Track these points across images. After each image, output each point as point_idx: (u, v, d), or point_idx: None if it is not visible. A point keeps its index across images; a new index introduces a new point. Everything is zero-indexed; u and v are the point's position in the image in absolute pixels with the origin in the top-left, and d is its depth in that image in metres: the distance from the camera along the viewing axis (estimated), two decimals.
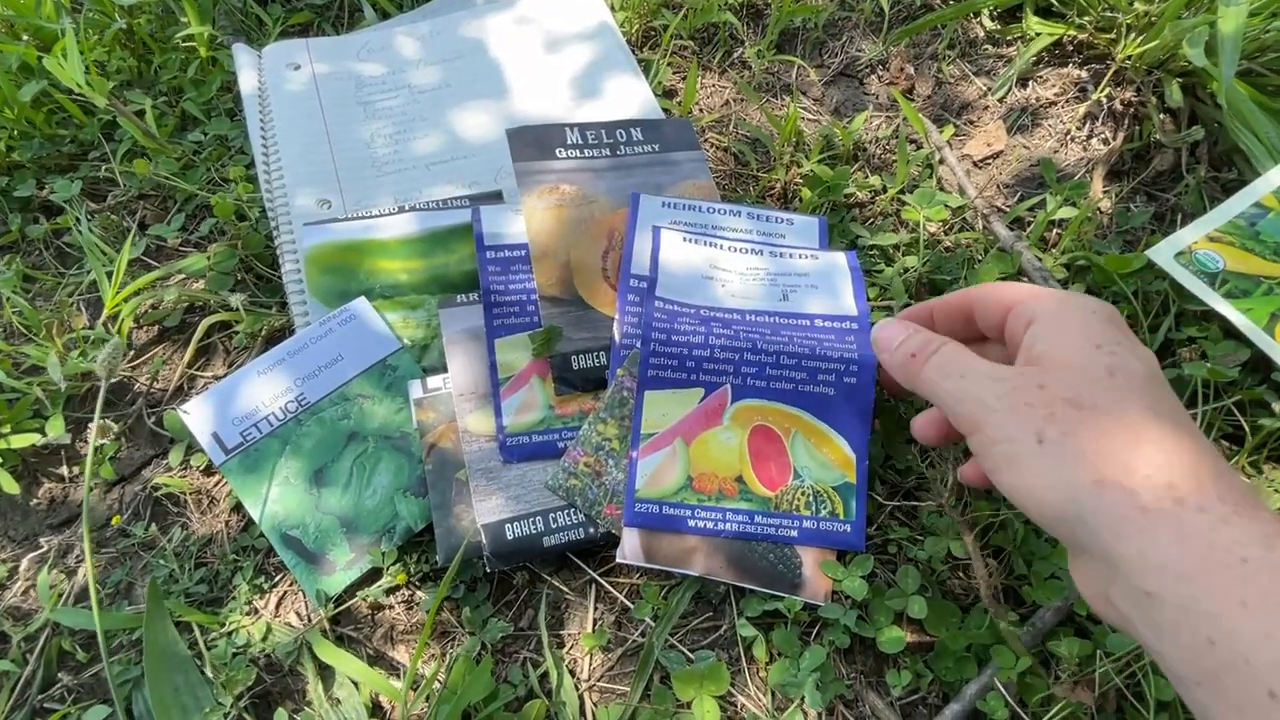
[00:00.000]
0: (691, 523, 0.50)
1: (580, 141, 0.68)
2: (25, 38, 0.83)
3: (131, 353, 0.68)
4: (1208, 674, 0.28)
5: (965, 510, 0.54)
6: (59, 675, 0.55)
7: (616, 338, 0.58)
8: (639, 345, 0.53)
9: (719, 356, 0.51)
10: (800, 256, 0.59)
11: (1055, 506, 0.33)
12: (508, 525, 0.55)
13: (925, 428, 0.46)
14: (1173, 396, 0.35)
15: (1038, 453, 0.33)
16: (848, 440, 0.51)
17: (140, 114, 0.77)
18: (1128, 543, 0.30)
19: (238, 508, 0.60)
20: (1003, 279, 0.65)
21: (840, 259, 0.59)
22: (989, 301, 0.43)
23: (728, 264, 0.57)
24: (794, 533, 0.50)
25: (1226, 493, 0.30)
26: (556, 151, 0.67)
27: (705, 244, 0.58)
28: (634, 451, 0.51)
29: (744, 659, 0.52)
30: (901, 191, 0.72)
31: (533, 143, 0.67)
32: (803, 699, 0.50)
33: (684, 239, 0.57)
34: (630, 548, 0.52)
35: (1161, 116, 0.73)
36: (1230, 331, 0.59)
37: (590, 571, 0.56)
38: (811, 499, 0.50)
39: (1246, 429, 0.56)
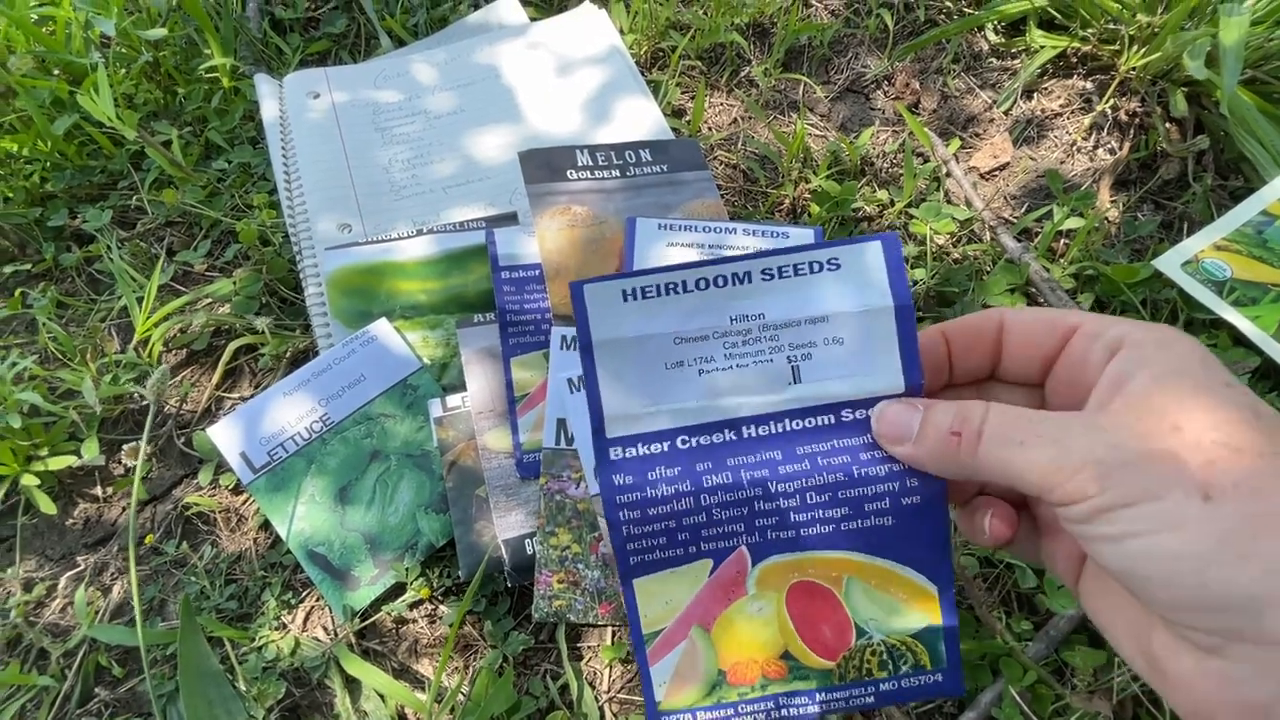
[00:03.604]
0: None
1: (591, 163, 0.70)
2: (56, 72, 0.86)
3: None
4: None
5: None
6: (96, 690, 0.57)
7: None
8: (606, 516, 0.35)
9: (719, 517, 0.36)
10: (809, 270, 0.35)
11: (1242, 584, 0.24)
12: (528, 540, 0.56)
13: (998, 525, 0.32)
14: None
15: (1206, 514, 0.24)
16: (923, 572, 0.37)
17: (167, 144, 0.80)
18: None
19: (265, 525, 0.61)
20: (1011, 290, 0.66)
21: (871, 255, 0.34)
22: (1032, 324, 0.32)
23: (702, 324, 0.35)
24: (870, 699, 0.39)
25: None
26: (568, 173, 0.69)
27: (665, 296, 0.34)
28: (640, 662, 0.39)
29: None
30: (909, 205, 0.73)
31: (544, 165, 0.69)
32: None
33: (629, 294, 0.34)
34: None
35: (1167, 126, 0.74)
36: (1240, 339, 0.60)
37: None
38: (887, 657, 0.38)
39: None
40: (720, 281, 0.34)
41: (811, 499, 0.36)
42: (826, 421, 0.35)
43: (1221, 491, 0.24)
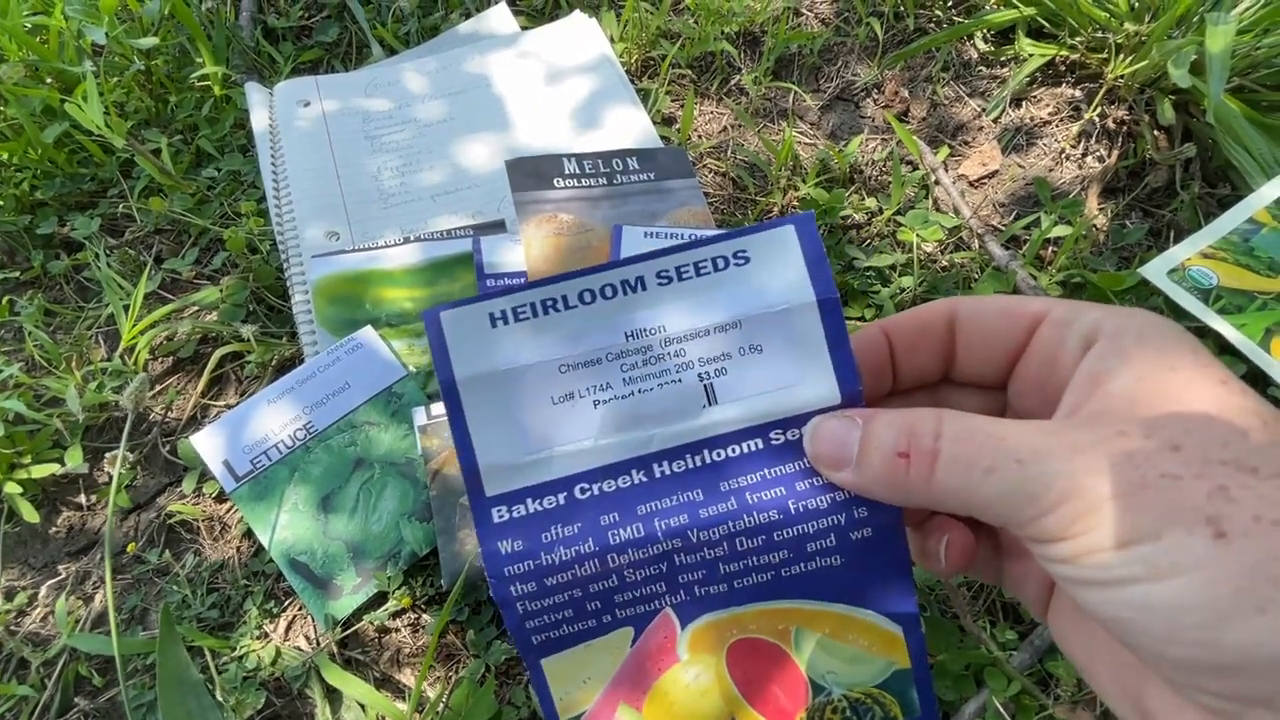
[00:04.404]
0: None
1: (578, 171, 0.70)
2: (48, 81, 0.87)
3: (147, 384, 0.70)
4: None
5: None
6: (76, 700, 0.56)
7: None
8: (493, 590, 0.28)
9: (633, 578, 0.30)
10: (713, 268, 0.28)
11: (1266, 643, 0.19)
12: None
13: (955, 553, 0.28)
14: None
15: (1218, 555, 0.20)
16: (884, 612, 0.32)
17: (157, 152, 0.80)
18: None
19: (248, 534, 0.61)
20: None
21: (783, 242, 0.28)
22: (990, 316, 0.27)
23: (592, 345, 0.28)
24: None
25: None
26: (554, 181, 0.69)
27: (543, 316, 0.28)
28: None
29: None
30: (897, 213, 0.73)
31: (531, 173, 0.69)
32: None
33: (498, 318, 0.27)
34: None
35: (1155, 134, 0.74)
36: (1226, 347, 0.59)
37: None
38: (850, 714, 0.33)
39: None
40: (609, 292, 0.28)
41: (742, 545, 0.29)
42: (753, 448, 0.29)
43: (1237, 527, 0.19)
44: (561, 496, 0.28)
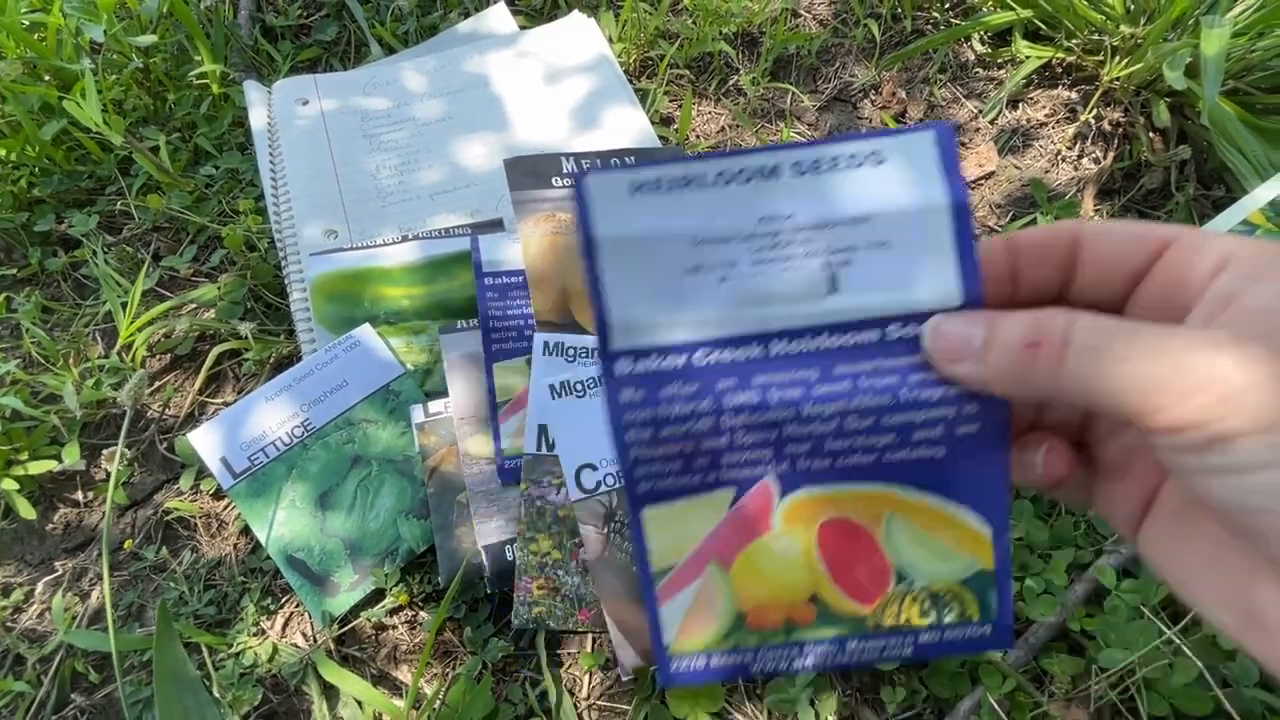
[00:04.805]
0: (755, 669, 0.36)
1: (576, 170, 0.70)
2: (46, 78, 0.87)
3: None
4: None
5: None
6: (72, 696, 0.56)
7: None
8: (612, 437, 0.31)
9: (743, 441, 0.32)
10: (848, 165, 0.29)
11: None
12: (508, 547, 0.56)
13: (1055, 461, 0.28)
14: None
15: None
16: (977, 510, 0.33)
17: (155, 150, 0.80)
18: None
19: (246, 531, 0.61)
20: None
21: (921, 148, 0.29)
22: (1117, 237, 0.27)
23: (725, 225, 0.30)
24: (908, 650, 0.35)
25: None
26: (552, 180, 0.69)
27: (681, 190, 0.30)
28: (648, 601, 0.35)
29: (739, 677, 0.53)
30: None
31: (530, 172, 0.69)
32: (797, 716, 0.51)
33: (639, 188, 0.29)
34: (627, 659, 0.50)
35: (1150, 136, 0.75)
36: None
37: None
38: (929, 605, 0.35)
39: None
40: (745, 176, 0.29)
41: (851, 424, 0.31)
42: (870, 339, 0.30)
43: None
44: (683, 359, 0.30)
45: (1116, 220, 0.29)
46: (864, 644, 0.34)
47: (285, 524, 0.59)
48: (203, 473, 0.64)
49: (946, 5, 0.89)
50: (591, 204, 0.28)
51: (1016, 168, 0.78)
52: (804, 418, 0.31)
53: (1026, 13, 0.81)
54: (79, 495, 0.65)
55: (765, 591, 0.34)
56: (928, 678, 0.51)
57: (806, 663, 0.34)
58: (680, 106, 0.82)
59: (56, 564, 0.62)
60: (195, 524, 0.62)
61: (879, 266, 0.29)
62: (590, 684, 0.54)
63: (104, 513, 0.64)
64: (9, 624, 0.59)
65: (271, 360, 0.68)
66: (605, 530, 0.55)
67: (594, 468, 0.57)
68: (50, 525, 0.64)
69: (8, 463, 0.64)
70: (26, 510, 0.62)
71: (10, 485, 0.62)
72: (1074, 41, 0.80)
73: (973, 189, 0.78)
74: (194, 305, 0.72)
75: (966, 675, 0.51)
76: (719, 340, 0.30)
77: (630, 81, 0.83)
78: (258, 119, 0.80)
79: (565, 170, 0.70)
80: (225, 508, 0.63)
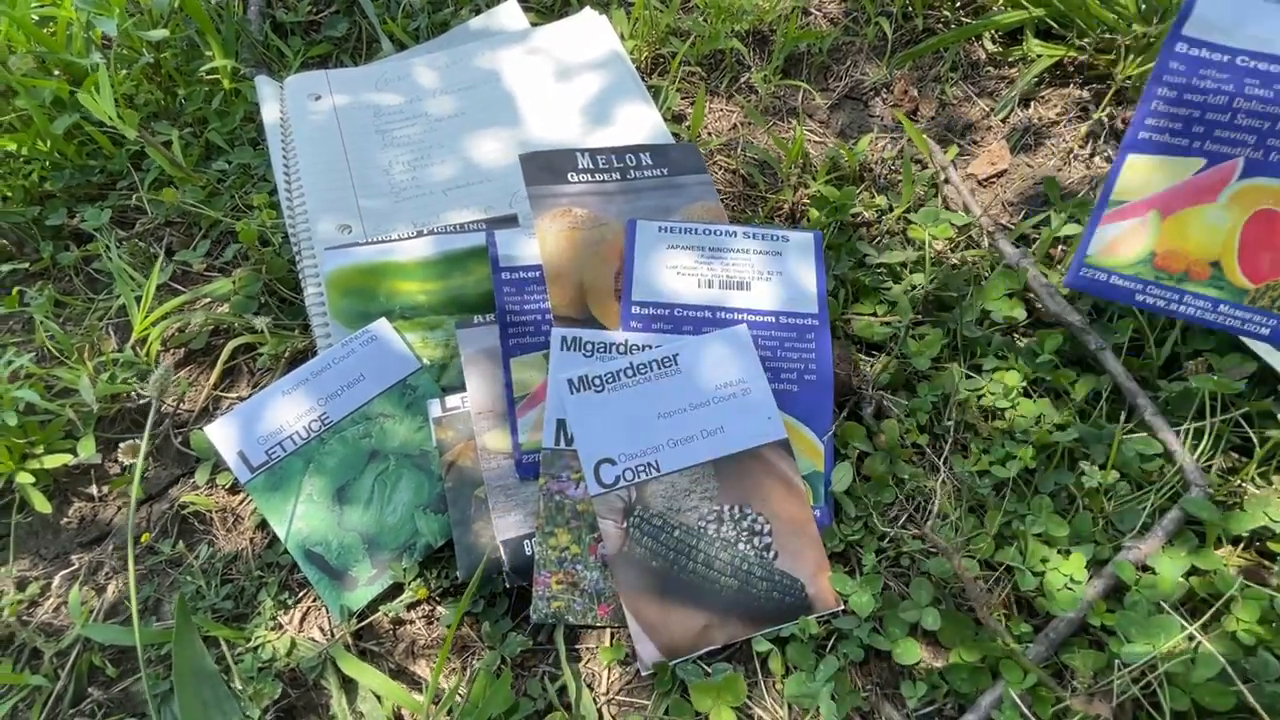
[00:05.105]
0: (1140, 297, 0.45)
1: (591, 166, 0.70)
2: (57, 73, 0.86)
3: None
4: None
5: (958, 531, 0.55)
6: (90, 690, 0.56)
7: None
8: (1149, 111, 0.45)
9: (1241, 123, 0.41)
10: None
11: None
12: (526, 541, 0.56)
13: None
14: None
15: None
16: None
17: (167, 144, 0.80)
18: None
19: (262, 525, 0.61)
20: (1009, 295, 0.66)
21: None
22: None
23: None
24: (1265, 330, 0.43)
25: None
26: (568, 176, 0.69)
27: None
28: (1094, 219, 0.45)
29: (760, 672, 0.53)
30: (907, 211, 0.74)
31: (545, 167, 0.69)
32: (818, 710, 0.51)
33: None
34: (647, 653, 0.53)
35: None
36: (1236, 344, 0.60)
37: None
38: None
39: (1255, 440, 0.56)
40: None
41: None
42: None
43: None
44: (1231, 59, 0.42)
45: None
46: (1233, 312, 0.43)
47: (303, 518, 0.58)
48: (218, 467, 0.64)
49: (958, 4, 0.89)
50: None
51: (1029, 166, 0.78)
52: None
53: (1038, 11, 0.81)
54: (94, 489, 0.65)
55: (1180, 243, 0.44)
56: (948, 672, 0.52)
57: (1183, 309, 0.44)
58: (692, 104, 0.82)
59: (72, 558, 0.62)
60: (211, 518, 0.62)
61: None
62: (609, 679, 0.54)
63: (119, 507, 0.64)
64: (25, 618, 0.59)
65: (286, 355, 0.68)
66: (624, 525, 0.55)
67: (613, 462, 0.57)
68: (65, 519, 0.64)
69: (23, 456, 0.64)
70: (42, 504, 0.62)
71: (26, 479, 0.62)
72: (1086, 40, 0.80)
73: (984, 187, 0.78)
74: (208, 299, 0.72)
75: (987, 671, 0.51)
76: (1267, 54, 0.41)
77: (642, 79, 0.83)
78: (270, 114, 0.80)
79: (581, 166, 0.70)
80: (241, 502, 0.63)
